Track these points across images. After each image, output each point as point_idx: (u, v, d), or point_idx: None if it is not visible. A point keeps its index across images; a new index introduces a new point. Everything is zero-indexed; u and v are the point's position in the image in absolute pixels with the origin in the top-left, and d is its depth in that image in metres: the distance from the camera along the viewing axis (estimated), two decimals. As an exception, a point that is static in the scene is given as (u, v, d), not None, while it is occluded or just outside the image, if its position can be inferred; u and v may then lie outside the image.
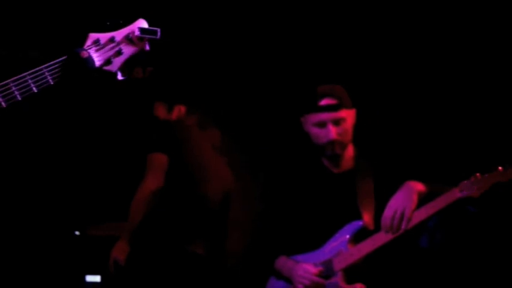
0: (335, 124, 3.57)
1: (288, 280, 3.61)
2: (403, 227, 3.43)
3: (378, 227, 3.53)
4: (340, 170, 3.71)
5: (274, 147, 5.32)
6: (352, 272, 3.53)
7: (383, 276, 3.66)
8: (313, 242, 3.63)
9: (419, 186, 3.50)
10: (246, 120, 5.44)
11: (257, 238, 3.77)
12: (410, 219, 3.43)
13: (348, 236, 3.55)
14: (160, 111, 4.68)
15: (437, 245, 4.86)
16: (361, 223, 3.55)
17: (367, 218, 3.57)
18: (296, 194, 3.71)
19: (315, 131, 3.62)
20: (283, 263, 3.64)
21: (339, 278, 3.51)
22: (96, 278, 5.20)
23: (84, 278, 5.21)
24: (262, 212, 3.78)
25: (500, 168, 3.41)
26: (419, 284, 4.85)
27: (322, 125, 3.58)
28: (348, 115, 3.62)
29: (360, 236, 3.55)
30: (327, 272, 3.53)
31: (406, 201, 3.44)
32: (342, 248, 3.54)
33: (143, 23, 2.64)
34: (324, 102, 3.57)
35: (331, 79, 3.77)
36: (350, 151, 3.71)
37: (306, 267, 3.54)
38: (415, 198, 3.45)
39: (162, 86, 4.73)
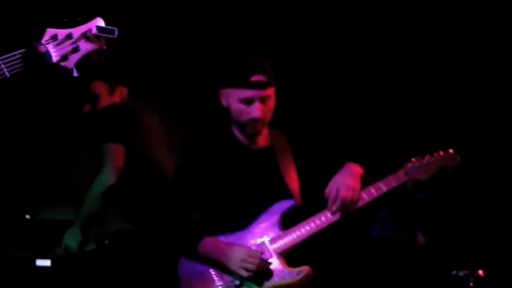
0: (262, 102, 3.42)
1: (216, 264, 3.39)
2: (351, 208, 3.36)
3: (306, 205, 3.47)
4: (257, 147, 3.55)
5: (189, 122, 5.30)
6: (291, 253, 3.41)
7: (326, 256, 3.70)
8: (237, 222, 3.43)
9: (359, 169, 3.46)
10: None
11: (175, 219, 3.53)
12: (358, 201, 3.38)
13: (279, 216, 3.41)
14: (102, 91, 4.61)
15: (389, 233, 4.93)
16: (292, 202, 3.44)
17: (295, 196, 3.46)
18: (214, 171, 3.51)
19: (238, 107, 3.43)
20: (212, 246, 3.40)
21: (280, 262, 3.36)
22: (47, 263, 5.16)
23: (34, 262, 5.17)
24: (179, 192, 3.54)
25: (441, 152, 3.42)
26: (367, 266, 4.93)
27: (249, 102, 3.41)
28: (273, 93, 3.47)
29: (290, 215, 3.43)
30: (265, 255, 3.37)
31: (351, 182, 3.37)
32: (275, 229, 3.40)
33: (100, 22, 2.64)
34: (254, 78, 3.39)
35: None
36: (265, 128, 3.57)
37: (249, 250, 3.34)
38: (358, 180, 3.40)
39: (104, 67, 4.65)
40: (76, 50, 2.63)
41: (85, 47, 2.64)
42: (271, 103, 3.45)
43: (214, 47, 5.22)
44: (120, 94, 4.63)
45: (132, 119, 4.48)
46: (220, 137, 3.57)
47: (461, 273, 4.59)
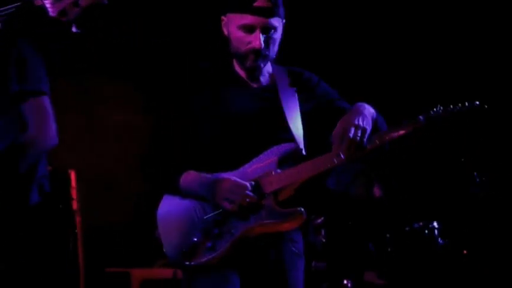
0: (264, 32, 3.03)
1: (198, 198, 3.03)
2: (358, 152, 2.90)
3: (309, 153, 3.05)
4: (258, 85, 3.18)
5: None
6: (283, 196, 3.00)
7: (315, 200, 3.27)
8: (231, 163, 3.06)
9: (372, 110, 3.02)
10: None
11: (158, 151, 3.18)
12: (367, 144, 2.91)
13: (277, 158, 3.00)
14: None
15: (344, 187, 4.99)
16: (293, 145, 3.04)
17: (297, 141, 3.06)
18: (209, 107, 3.13)
19: (238, 34, 3.06)
20: (194, 177, 3.04)
21: (271, 201, 2.96)
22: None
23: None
24: (165, 123, 3.22)
25: (466, 103, 2.93)
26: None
27: (249, 29, 3.03)
28: (280, 26, 3.08)
29: (290, 160, 3.03)
30: (255, 191, 2.97)
31: (361, 122, 2.91)
32: (271, 168, 3.00)
33: None
34: (257, 3, 3.01)
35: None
36: (269, 66, 3.20)
37: (235, 181, 2.96)
38: (370, 121, 2.95)
39: None
40: (76, 4, 2.48)
41: (85, 1, 2.50)
42: (277, 36, 3.08)
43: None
44: None
45: None
46: (220, 71, 3.22)
47: (416, 225, 4.71)
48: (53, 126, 3.26)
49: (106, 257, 5.16)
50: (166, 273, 4.72)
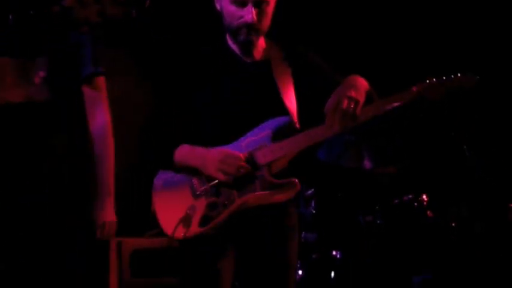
0: (256, 6, 3.03)
1: (193, 172, 3.04)
2: (351, 123, 2.90)
3: (302, 127, 3.07)
4: (252, 59, 3.18)
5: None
6: (276, 168, 3.04)
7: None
8: (226, 137, 3.06)
9: (365, 83, 3.02)
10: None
11: (154, 126, 3.18)
12: (360, 115, 2.91)
13: (271, 131, 3.02)
14: None
15: (335, 158, 5.01)
16: (287, 119, 3.04)
17: (291, 114, 3.08)
18: (203, 82, 3.12)
19: (231, 9, 3.05)
20: (188, 151, 3.05)
21: (265, 172, 2.99)
22: None
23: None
24: (159, 97, 3.21)
25: (458, 74, 2.98)
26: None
27: (241, 3, 3.02)
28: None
29: (284, 133, 3.04)
30: (249, 163, 2.99)
31: (354, 94, 2.91)
32: (265, 142, 3.01)
33: None
34: None
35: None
36: (262, 41, 3.19)
37: (229, 151, 2.99)
38: (363, 93, 2.95)
39: None
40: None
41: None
42: (269, 10, 3.08)
43: None
44: None
45: None
46: (213, 47, 3.21)
47: (405, 198, 4.74)
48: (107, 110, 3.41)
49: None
50: (156, 243, 4.73)
